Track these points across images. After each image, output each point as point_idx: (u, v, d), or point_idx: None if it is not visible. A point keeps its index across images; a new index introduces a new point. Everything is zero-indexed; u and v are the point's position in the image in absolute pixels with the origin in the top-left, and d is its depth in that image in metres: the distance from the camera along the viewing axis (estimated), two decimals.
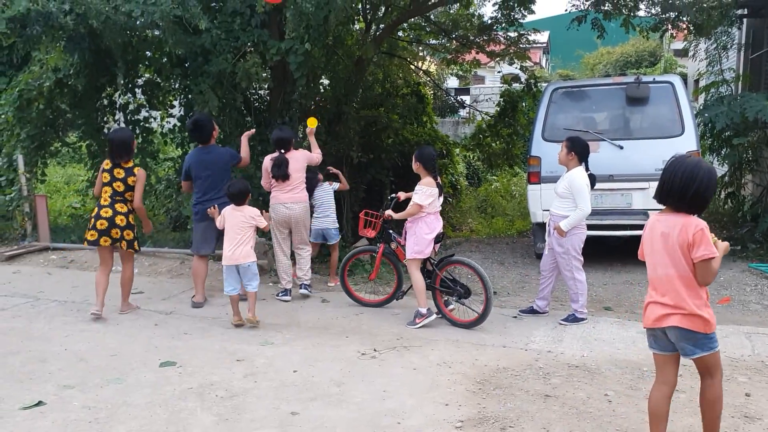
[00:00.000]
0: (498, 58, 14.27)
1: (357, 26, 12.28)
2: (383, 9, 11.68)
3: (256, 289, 6.55)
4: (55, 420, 4.36)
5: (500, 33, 13.53)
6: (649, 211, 8.35)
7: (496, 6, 12.04)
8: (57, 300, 7.41)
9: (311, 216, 7.82)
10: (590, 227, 7.10)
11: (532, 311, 6.80)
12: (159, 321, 6.63)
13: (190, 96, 9.10)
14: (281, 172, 7.22)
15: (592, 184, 6.39)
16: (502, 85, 15.07)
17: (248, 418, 4.39)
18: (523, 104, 13.98)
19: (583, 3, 10.70)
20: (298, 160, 7.37)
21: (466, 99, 22.23)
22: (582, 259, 6.45)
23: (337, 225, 8.27)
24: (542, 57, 43.64)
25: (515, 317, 6.74)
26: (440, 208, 6.55)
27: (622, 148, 8.51)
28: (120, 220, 6.73)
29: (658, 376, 3.74)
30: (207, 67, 8.33)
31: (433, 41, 14.51)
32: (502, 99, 14.05)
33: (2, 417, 4.41)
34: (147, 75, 10.43)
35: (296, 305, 7.23)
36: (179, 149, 10.02)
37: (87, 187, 11.62)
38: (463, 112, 23.72)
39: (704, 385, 3.69)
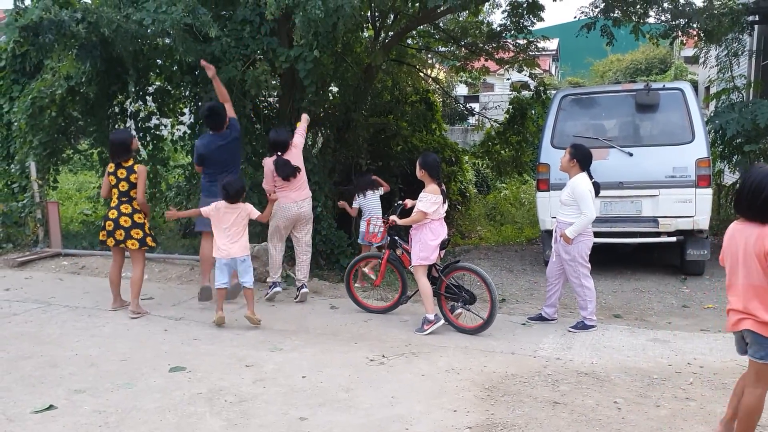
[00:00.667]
0: (507, 66, 14.29)
1: (366, 34, 12.33)
2: (392, 16, 11.72)
3: (252, 286, 6.66)
4: (65, 424, 4.39)
5: (509, 40, 13.55)
6: (659, 219, 8.35)
7: (506, 13, 12.08)
8: (68, 305, 7.45)
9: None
10: (600, 234, 7.12)
11: (540, 318, 6.79)
12: (169, 327, 6.65)
13: (200, 103, 9.16)
14: (289, 171, 7.32)
15: (597, 192, 6.38)
16: (511, 92, 15.07)
17: (257, 423, 4.40)
18: (533, 112, 13.99)
19: (592, 10, 10.72)
20: (296, 156, 7.51)
21: (475, 106, 22.26)
22: (589, 266, 6.43)
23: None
24: (552, 64, 43.66)
25: (524, 324, 6.73)
26: (444, 215, 6.56)
27: (631, 155, 8.50)
28: (124, 221, 6.90)
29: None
30: (217, 74, 8.38)
31: (442, 49, 14.55)
32: (511, 106, 14.06)
33: (14, 420, 4.44)
34: (158, 83, 10.50)
35: (305, 311, 7.24)
36: (189, 157, 10.07)
37: (98, 194, 11.66)
38: (472, 120, 23.76)
39: (746, 391, 3.76)
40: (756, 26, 12.56)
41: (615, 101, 9.14)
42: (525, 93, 14.38)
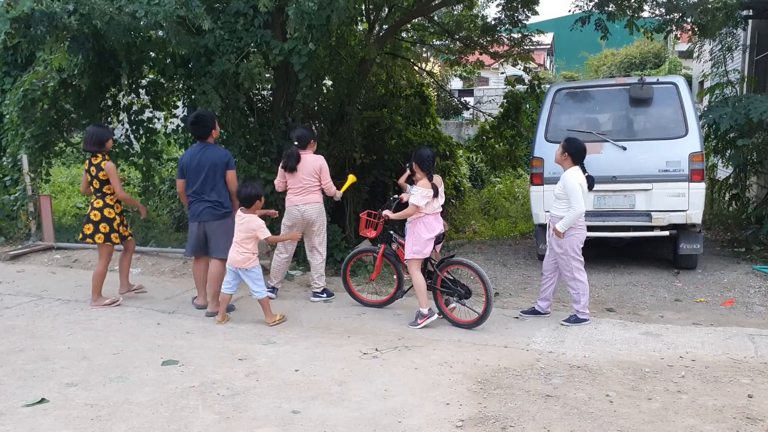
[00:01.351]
0: (502, 60, 14.26)
1: (360, 27, 12.29)
2: (386, 9, 11.69)
3: (261, 296, 6.53)
4: (57, 417, 4.38)
5: (504, 34, 13.52)
6: (652, 213, 8.36)
7: (500, 7, 12.06)
8: (60, 299, 7.44)
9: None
10: (593, 228, 7.11)
11: (533, 312, 6.80)
12: (161, 320, 6.65)
13: (193, 96, 9.12)
14: (289, 163, 7.25)
15: (591, 186, 6.38)
16: (505, 86, 15.06)
17: (250, 416, 4.40)
18: (527, 106, 13.98)
19: (586, 4, 10.69)
20: (312, 163, 7.34)
21: (470, 100, 22.22)
22: (582, 259, 6.44)
23: None
24: (546, 59, 43.63)
25: (517, 318, 6.74)
26: (440, 210, 6.55)
27: (625, 149, 8.49)
28: (93, 215, 7.06)
29: None
30: (210, 67, 8.35)
31: (437, 42, 14.52)
32: (505, 100, 14.05)
33: (5, 414, 4.43)
34: (151, 75, 10.45)
35: (299, 305, 7.25)
36: (183, 149, 10.04)
37: None
38: (466, 114, 23.73)
39: None
40: (750, 21, 12.56)
41: (609, 95, 9.12)
42: (519, 87, 14.36)
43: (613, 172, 8.32)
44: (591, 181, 6.40)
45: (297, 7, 7.29)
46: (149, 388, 4.89)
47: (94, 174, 7.05)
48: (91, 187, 7.14)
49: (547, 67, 42.51)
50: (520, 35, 13.46)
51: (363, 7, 11.39)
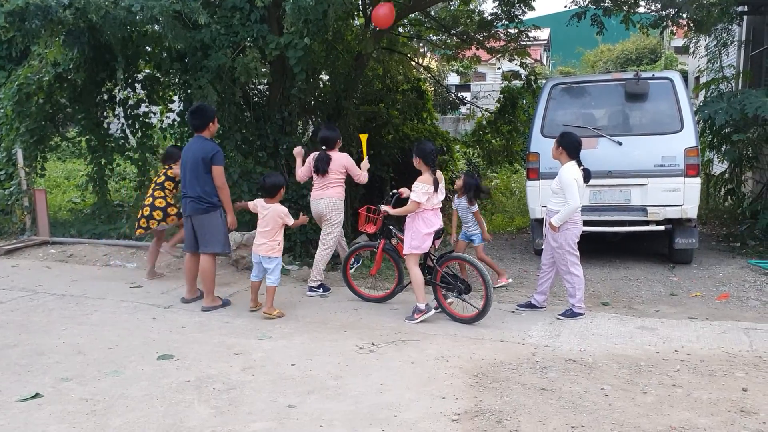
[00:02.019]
0: (498, 55, 14.24)
1: (357, 21, 12.26)
2: None
3: (274, 284, 6.64)
4: (52, 412, 4.37)
5: (501, 29, 13.51)
6: (647, 207, 8.37)
7: (497, 2, 12.03)
8: (56, 293, 7.42)
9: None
10: (589, 223, 7.12)
11: (530, 306, 6.80)
12: (157, 315, 6.64)
13: (189, 91, 9.10)
14: (321, 167, 7.44)
15: (587, 179, 6.39)
16: (502, 81, 15.05)
17: (245, 410, 4.39)
18: (524, 101, 13.97)
19: None
20: (338, 161, 7.52)
21: (467, 96, 22.23)
22: (577, 253, 6.44)
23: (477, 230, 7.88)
24: (543, 54, 43.67)
25: (513, 312, 6.75)
26: (440, 205, 6.54)
27: (621, 144, 8.50)
28: (159, 202, 7.89)
29: None
30: (206, 62, 8.33)
31: (434, 37, 14.50)
32: (502, 96, 14.04)
33: (0, 408, 4.42)
34: (147, 70, 10.44)
35: (294, 300, 7.25)
36: (179, 144, 10.00)
37: (87, 182, 11.62)
38: (463, 109, 23.73)
39: None
40: (745, 16, 12.57)
41: (605, 90, 9.12)
42: (516, 82, 14.35)
43: (608, 167, 8.33)
44: (587, 175, 6.40)
45: (294, 1, 7.27)
46: (145, 382, 4.89)
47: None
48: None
49: (544, 62, 42.54)
50: (516, 31, 13.43)
51: (359, 2, 11.37)
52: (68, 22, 7.68)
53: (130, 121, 10.63)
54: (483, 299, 6.25)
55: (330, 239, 7.56)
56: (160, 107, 10.98)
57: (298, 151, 7.73)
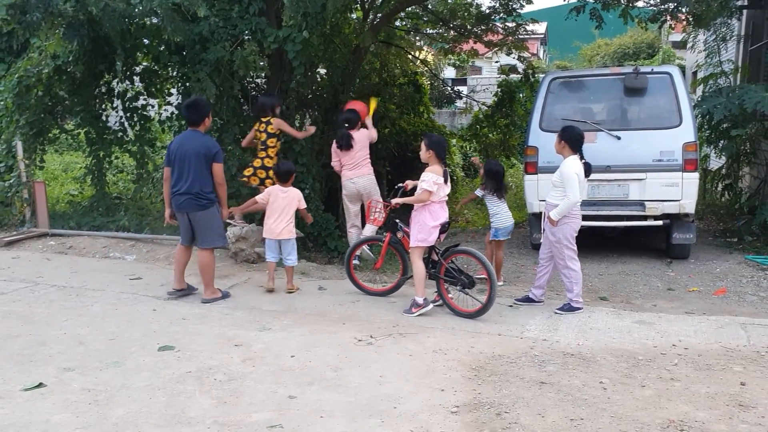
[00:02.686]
0: (496, 48, 14.27)
1: (354, 15, 12.27)
2: None
3: (294, 263, 7.34)
4: (55, 401, 4.40)
5: (498, 23, 13.53)
6: (645, 202, 8.41)
7: None
8: (56, 285, 7.44)
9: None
10: (587, 218, 7.15)
11: (527, 300, 6.84)
12: (157, 306, 6.66)
13: (187, 84, 9.11)
14: (344, 143, 8.20)
15: (588, 173, 6.41)
16: (499, 75, 15.06)
17: (246, 401, 4.43)
18: (521, 95, 14.00)
19: None
20: (361, 137, 8.29)
21: (463, 89, 22.22)
22: (575, 248, 6.47)
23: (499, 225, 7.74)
24: (540, 48, 43.66)
25: (511, 306, 6.78)
26: (446, 198, 6.57)
27: (619, 138, 8.53)
28: (256, 162, 8.42)
29: None
30: (205, 55, 8.34)
31: (431, 31, 14.50)
32: (499, 89, 14.05)
33: (4, 398, 4.45)
34: (145, 63, 10.43)
35: (293, 292, 7.26)
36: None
37: (85, 174, 11.62)
38: (459, 103, 23.74)
39: None
40: (744, 11, 12.59)
41: (603, 85, 9.16)
42: (513, 76, 14.37)
43: (607, 162, 8.35)
44: (588, 169, 6.42)
45: None
46: (146, 373, 4.91)
47: (263, 130, 8.28)
48: (256, 142, 8.43)
49: (541, 56, 42.52)
50: (514, 24, 13.46)
51: None
52: (68, 14, 7.69)
53: (128, 114, 10.62)
54: (486, 294, 6.26)
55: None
56: (158, 100, 10.97)
57: (311, 128, 8.63)
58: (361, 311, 6.58)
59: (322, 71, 11.60)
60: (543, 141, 8.62)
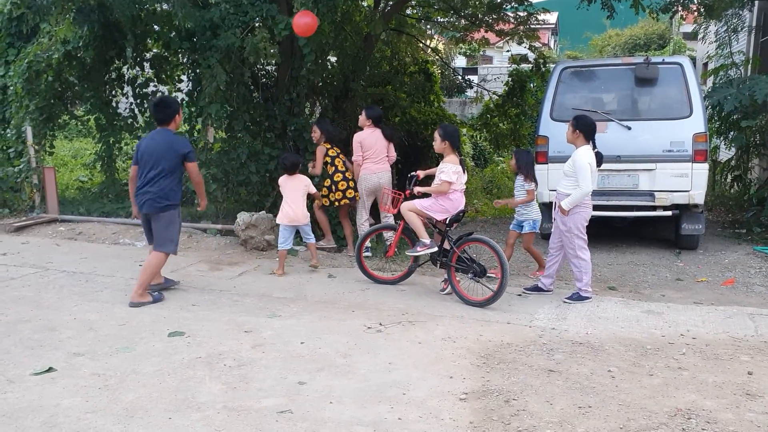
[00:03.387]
0: (507, 38, 14.20)
1: (365, 2, 12.23)
2: None
3: (313, 241, 7.84)
4: (65, 386, 4.43)
5: (509, 12, 13.46)
6: (655, 193, 8.39)
7: None
8: (66, 270, 7.48)
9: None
10: (597, 208, 7.13)
11: (537, 289, 6.84)
12: (167, 293, 6.68)
13: (198, 71, 9.11)
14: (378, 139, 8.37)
15: (599, 163, 6.39)
16: (510, 65, 15.00)
17: (256, 387, 4.45)
18: (532, 84, 13.94)
19: None
20: (382, 134, 8.45)
21: (474, 79, 22.14)
22: (585, 237, 6.46)
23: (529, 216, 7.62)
24: (550, 38, 43.42)
25: (520, 295, 6.79)
26: (465, 187, 6.63)
27: (630, 128, 8.50)
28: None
29: None
30: (215, 41, 8.34)
31: (442, 19, 14.45)
32: (510, 79, 13.99)
33: (14, 382, 4.48)
34: (155, 49, 10.44)
35: (303, 280, 7.29)
36: (186, 125, 10.00)
37: (95, 160, 11.66)
38: (470, 92, 23.67)
39: None
40: (756, 2, 12.49)
41: (614, 74, 9.11)
42: (524, 66, 14.31)
43: (617, 152, 8.31)
44: (600, 158, 6.41)
45: None
46: (156, 358, 4.94)
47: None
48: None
49: (551, 47, 42.32)
50: (525, 13, 13.39)
51: None
52: None
53: (138, 100, 10.64)
54: (498, 282, 6.27)
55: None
56: (168, 87, 10.99)
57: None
58: (371, 299, 6.59)
59: (333, 59, 11.59)
60: (554, 130, 8.59)
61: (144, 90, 10.56)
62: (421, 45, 15.03)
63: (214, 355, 5.01)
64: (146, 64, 10.48)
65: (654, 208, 8.50)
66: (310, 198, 8.02)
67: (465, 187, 6.64)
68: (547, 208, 8.42)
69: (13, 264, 7.74)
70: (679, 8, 10.99)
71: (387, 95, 12.47)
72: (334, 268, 7.86)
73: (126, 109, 10.84)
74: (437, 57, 16.61)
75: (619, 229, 9.67)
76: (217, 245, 8.64)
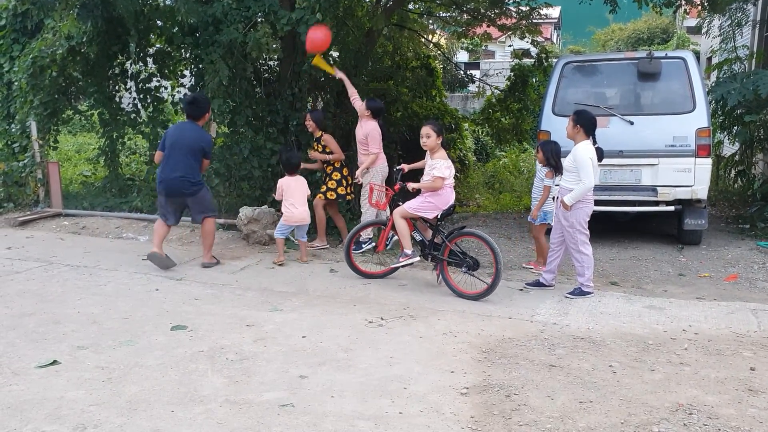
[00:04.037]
0: (509, 32, 14.17)
1: None
2: None
3: (305, 239, 7.96)
4: (69, 378, 4.46)
5: (512, 7, 13.43)
6: (658, 188, 8.38)
7: None
8: (70, 264, 7.51)
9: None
10: (599, 203, 7.13)
11: (538, 284, 6.85)
12: (170, 286, 6.72)
13: (200, 66, 9.13)
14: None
15: (600, 158, 6.39)
16: (512, 60, 14.98)
17: (258, 380, 4.47)
18: (534, 79, 13.92)
19: None
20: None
21: (476, 73, 22.14)
22: (587, 233, 6.46)
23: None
24: (553, 33, 43.39)
25: (521, 290, 6.79)
26: (453, 182, 6.64)
27: (632, 123, 8.49)
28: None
29: None
30: (218, 36, 8.35)
31: (444, 14, 14.42)
32: (512, 73, 13.98)
33: (19, 374, 4.51)
34: (158, 44, 10.45)
35: (305, 274, 7.31)
36: None
37: (98, 155, 11.69)
38: (472, 87, 23.66)
39: None
40: None
41: (617, 69, 9.09)
42: (526, 60, 14.29)
43: (619, 147, 8.31)
44: (600, 153, 6.41)
45: None
46: (159, 351, 4.97)
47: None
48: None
49: (554, 41, 42.25)
50: (528, 8, 13.36)
51: None
52: None
53: (141, 95, 10.67)
54: (492, 275, 6.29)
55: None
56: (171, 82, 11.00)
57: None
58: (372, 293, 6.61)
59: (335, 54, 11.58)
60: (556, 125, 8.57)
61: (147, 85, 10.58)
62: (423, 40, 15.01)
63: (217, 348, 5.03)
64: (149, 60, 10.49)
65: (657, 203, 8.49)
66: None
67: (453, 182, 6.65)
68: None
69: (17, 258, 7.77)
70: (683, 2, 10.97)
71: (389, 90, 12.47)
72: (336, 262, 7.87)
73: (129, 104, 10.86)
74: (439, 52, 16.59)
75: (621, 224, 9.67)
76: (219, 239, 8.66)
